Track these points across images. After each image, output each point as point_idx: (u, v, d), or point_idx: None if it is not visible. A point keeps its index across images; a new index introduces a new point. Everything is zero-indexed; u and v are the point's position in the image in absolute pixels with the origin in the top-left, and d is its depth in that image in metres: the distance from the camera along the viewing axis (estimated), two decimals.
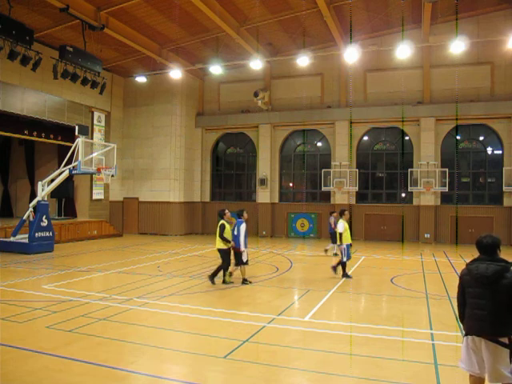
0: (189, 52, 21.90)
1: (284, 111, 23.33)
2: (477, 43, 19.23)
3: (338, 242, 11.68)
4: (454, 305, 5.02)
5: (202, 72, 24.43)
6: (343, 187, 21.78)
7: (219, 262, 10.70)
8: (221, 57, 20.82)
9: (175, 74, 20.73)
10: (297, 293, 10.33)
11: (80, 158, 15.51)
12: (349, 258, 11.55)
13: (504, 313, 3.89)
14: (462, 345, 4.25)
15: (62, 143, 20.84)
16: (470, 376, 4.20)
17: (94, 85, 18.18)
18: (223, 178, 25.67)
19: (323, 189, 22.32)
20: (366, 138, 22.76)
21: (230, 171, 25.53)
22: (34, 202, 16.29)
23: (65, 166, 16.08)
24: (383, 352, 6.03)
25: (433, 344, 6.42)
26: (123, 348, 6.25)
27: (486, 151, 21.19)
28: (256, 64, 19.55)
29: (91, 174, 19.21)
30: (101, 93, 19.32)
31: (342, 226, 11.44)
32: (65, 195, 21.99)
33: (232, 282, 10.61)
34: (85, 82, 17.77)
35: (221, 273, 10.63)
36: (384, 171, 22.50)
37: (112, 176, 17.41)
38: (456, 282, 4.46)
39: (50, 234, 16.34)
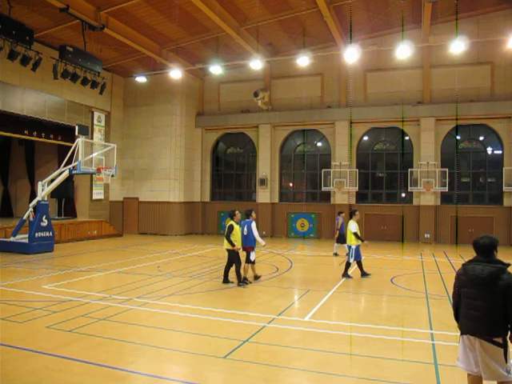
0: (189, 52, 21.90)
1: (284, 111, 23.33)
2: (477, 43, 19.24)
3: (349, 243, 11.56)
4: None
5: (202, 72, 24.43)
6: (343, 187, 21.78)
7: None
8: (221, 57, 20.83)
9: (175, 74, 20.74)
10: (297, 293, 10.33)
11: (80, 157, 15.51)
12: (360, 258, 11.53)
13: (498, 314, 3.91)
14: (459, 344, 4.27)
15: (62, 143, 20.84)
16: (468, 375, 4.23)
17: (93, 85, 18.17)
18: (223, 177, 25.67)
19: (323, 189, 22.32)
20: (366, 138, 22.76)
21: (230, 171, 25.53)
22: (34, 201, 16.29)
23: (65, 166, 16.08)
24: (383, 352, 6.03)
25: (433, 344, 6.42)
26: (123, 348, 6.25)
27: (485, 151, 21.19)
28: (256, 64, 19.55)
29: (91, 174, 19.21)
30: (101, 93, 19.32)
31: (354, 226, 11.46)
32: (65, 195, 22.00)
33: (232, 282, 10.61)
34: (85, 82, 17.76)
35: (222, 272, 10.64)
36: (384, 171, 22.50)
37: (112, 176, 17.41)
38: None
39: (50, 234, 16.34)
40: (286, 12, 18.62)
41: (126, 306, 8.47)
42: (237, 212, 10.69)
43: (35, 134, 19.76)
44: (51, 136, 20.51)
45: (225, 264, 10.92)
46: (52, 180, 16.36)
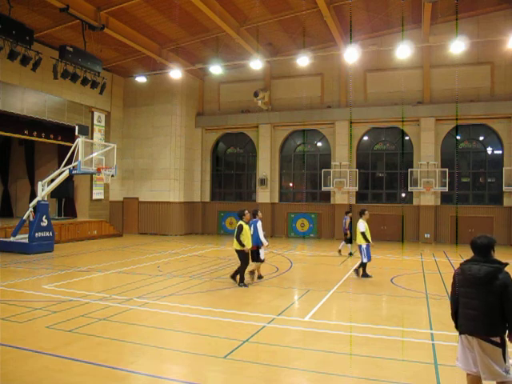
0: (189, 52, 21.90)
1: (284, 111, 23.32)
2: (477, 43, 19.23)
3: (359, 242, 11.46)
4: None
5: (201, 72, 24.43)
6: (343, 187, 21.78)
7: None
8: (221, 57, 20.82)
9: (175, 74, 20.74)
10: (297, 293, 10.32)
11: (80, 157, 15.51)
12: (369, 259, 11.44)
13: (496, 313, 3.92)
14: (457, 344, 4.28)
15: (62, 143, 20.83)
16: (468, 375, 4.23)
17: (93, 85, 18.17)
18: (223, 177, 25.67)
19: (323, 189, 22.31)
20: (366, 138, 22.76)
21: (230, 171, 25.53)
22: (34, 201, 16.29)
23: (65, 166, 16.08)
24: (383, 352, 6.03)
25: (433, 344, 6.42)
26: (123, 348, 6.24)
27: (485, 151, 21.19)
28: (256, 64, 19.55)
29: (91, 174, 19.21)
30: (101, 93, 19.31)
31: (362, 225, 11.39)
32: (65, 195, 21.99)
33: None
34: (85, 82, 17.76)
35: (230, 270, 10.58)
36: (384, 171, 22.50)
37: (112, 176, 17.40)
38: None
39: (50, 233, 16.34)
40: (286, 12, 18.62)
41: (125, 306, 8.47)
42: (246, 212, 10.34)
43: (35, 134, 19.76)
44: (51, 136, 20.51)
45: (235, 267, 10.77)
46: (52, 180, 16.35)
